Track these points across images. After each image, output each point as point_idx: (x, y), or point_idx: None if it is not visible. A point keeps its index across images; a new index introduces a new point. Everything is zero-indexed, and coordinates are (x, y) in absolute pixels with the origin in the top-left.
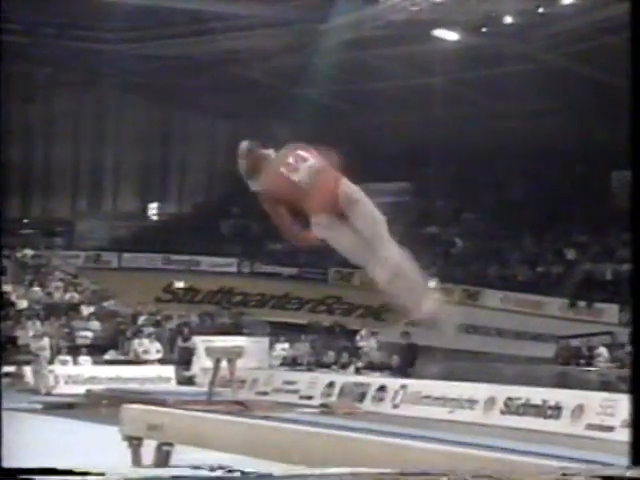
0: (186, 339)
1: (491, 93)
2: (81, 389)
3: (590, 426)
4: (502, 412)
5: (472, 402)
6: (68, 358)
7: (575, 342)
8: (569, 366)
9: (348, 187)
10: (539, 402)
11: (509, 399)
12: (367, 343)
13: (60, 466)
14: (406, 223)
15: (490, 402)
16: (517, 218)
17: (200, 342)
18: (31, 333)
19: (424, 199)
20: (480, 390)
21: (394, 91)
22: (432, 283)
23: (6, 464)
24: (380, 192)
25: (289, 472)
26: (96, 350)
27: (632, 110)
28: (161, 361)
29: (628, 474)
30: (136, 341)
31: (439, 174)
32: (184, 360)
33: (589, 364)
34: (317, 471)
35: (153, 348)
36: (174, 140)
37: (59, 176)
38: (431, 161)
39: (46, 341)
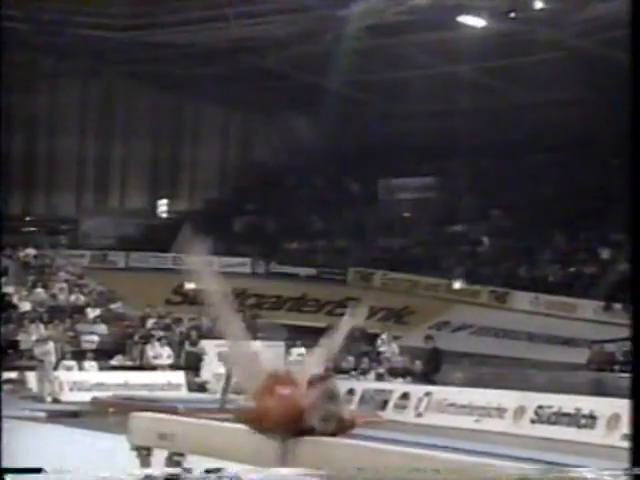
0: (194, 343)
1: (520, 82)
2: (87, 396)
3: (627, 437)
4: (532, 421)
5: (500, 410)
6: (73, 363)
7: (610, 347)
8: (603, 372)
9: None
10: (572, 411)
11: (540, 407)
12: (389, 348)
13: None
14: (430, 221)
15: (520, 411)
16: (548, 215)
17: (212, 347)
18: (34, 337)
19: (449, 195)
20: (509, 398)
21: (418, 80)
22: (458, 284)
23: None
24: (403, 188)
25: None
26: (102, 355)
27: (632, 109)
28: (169, 367)
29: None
30: (149, 346)
31: (465, 168)
32: (192, 365)
33: (624, 370)
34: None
35: (164, 353)
36: (185, 133)
37: (63, 171)
38: (457, 155)
39: (51, 345)
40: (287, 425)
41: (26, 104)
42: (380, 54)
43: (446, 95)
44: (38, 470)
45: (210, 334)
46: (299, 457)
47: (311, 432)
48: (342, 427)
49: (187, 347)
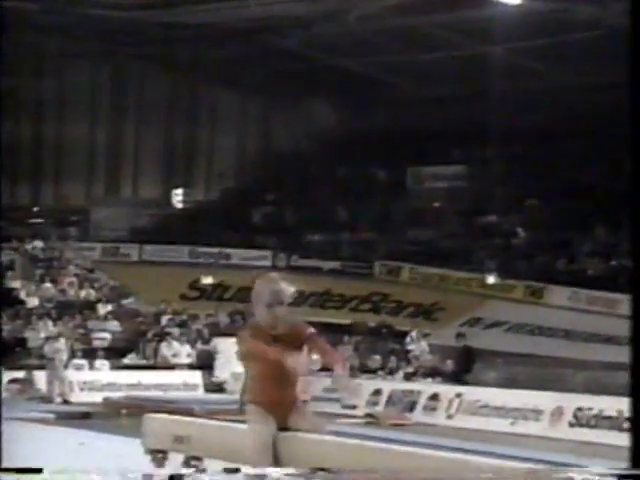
0: (206, 341)
1: (558, 64)
2: (98, 397)
3: None
4: (571, 424)
5: (537, 412)
6: (83, 362)
7: None
8: None
9: None
10: (613, 413)
11: (579, 409)
12: (417, 346)
13: None
14: (462, 211)
15: (557, 413)
16: (588, 204)
17: (230, 344)
18: (42, 334)
19: (482, 184)
20: (546, 399)
21: (448, 62)
22: (491, 278)
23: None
24: (432, 176)
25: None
26: (114, 353)
27: (632, 108)
28: (178, 366)
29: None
30: (164, 343)
31: (499, 155)
32: (204, 364)
33: None
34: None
35: (184, 351)
36: (201, 118)
37: (73, 158)
38: (490, 141)
39: (62, 343)
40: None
41: (33, 88)
42: (407, 34)
43: (478, 78)
44: (38, 470)
45: (227, 331)
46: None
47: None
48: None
49: (199, 345)
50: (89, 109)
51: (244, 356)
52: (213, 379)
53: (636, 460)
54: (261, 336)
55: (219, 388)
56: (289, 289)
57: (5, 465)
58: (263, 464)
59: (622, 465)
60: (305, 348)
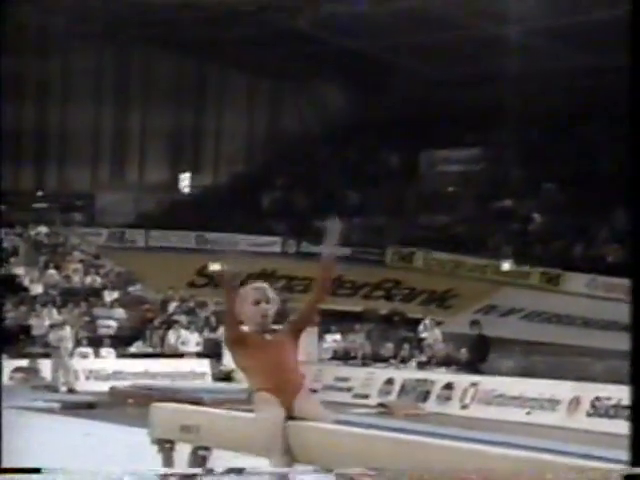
0: (213, 329)
1: (576, 45)
2: (104, 386)
3: None
4: (589, 414)
5: (554, 402)
6: (89, 350)
7: None
8: None
9: None
10: None
11: (597, 399)
12: (431, 334)
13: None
14: (476, 196)
15: (575, 402)
16: (606, 189)
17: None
18: (47, 322)
19: (497, 167)
20: (563, 388)
21: (462, 43)
22: (506, 264)
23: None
24: (446, 160)
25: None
26: (120, 341)
27: (631, 107)
28: (187, 355)
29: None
30: (171, 331)
31: (514, 138)
32: (211, 353)
33: None
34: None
35: (192, 339)
36: (208, 102)
37: (78, 142)
38: (505, 123)
39: (67, 331)
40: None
41: (37, 70)
42: (420, 15)
43: (493, 59)
44: (37, 470)
45: None
46: (339, 457)
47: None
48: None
49: (207, 333)
50: (94, 92)
51: (235, 344)
52: (221, 368)
53: (636, 460)
54: (251, 336)
55: (227, 377)
56: (274, 293)
57: (10, 456)
58: (274, 451)
59: None
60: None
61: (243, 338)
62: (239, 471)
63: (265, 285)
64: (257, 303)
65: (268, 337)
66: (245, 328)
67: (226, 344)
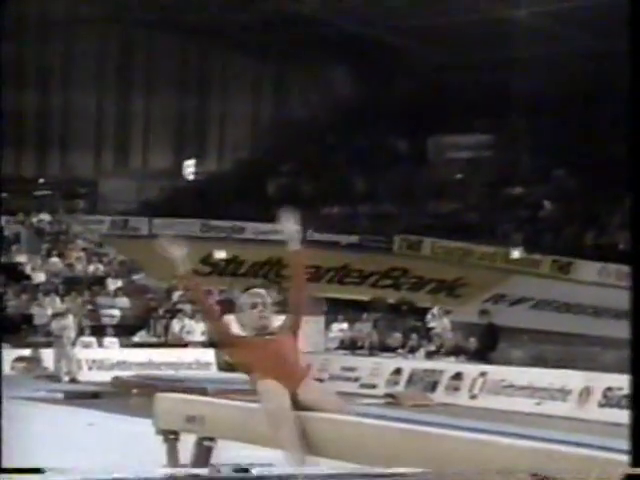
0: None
1: (589, 28)
2: (107, 376)
3: None
4: (600, 404)
5: (564, 392)
6: (92, 340)
7: None
8: None
9: None
10: None
11: (608, 389)
12: (439, 323)
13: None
14: (486, 183)
15: (586, 393)
16: (618, 175)
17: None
18: (49, 311)
19: (507, 154)
20: (574, 378)
21: (470, 26)
22: (516, 253)
23: (22, 460)
24: (455, 146)
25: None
26: (124, 331)
27: (631, 106)
28: (192, 344)
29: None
30: (175, 320)
31: (525, 124)
32: (213, 342)
33: None
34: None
35: (198, 329)
36: (213, 86)
37: (80, 128)
38: (515, 109)
39: (70, 320)
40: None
41: (38, 55)
42: None
43: (503, 43)
44: (37, 470)
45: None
46: (347, 448)
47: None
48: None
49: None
50: (97, 76)
51: (233, 348)
52: (227, 357)
53: (636, 460)
54: (250, 339)
55: (233, 367)
56: (271, 298)
57: (11, 447)
58: (286, 442)
59: None
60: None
61: (241, 342)
62: (245, 470)
63: (262, 290)
64: (254, 307)
65: (267, 337)
66: (242, 332)
67: (221, 348)
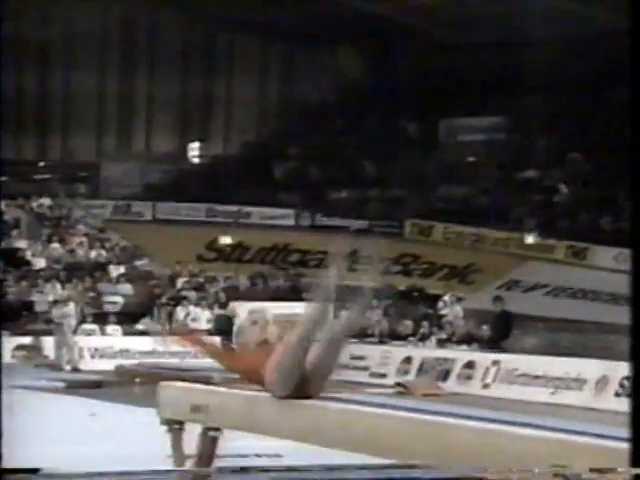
0: (223, 305)
1: (606, 5)
2: (110, 364)
3: None
4: (617, 394)
5: (580, 382)
6: (94, 327)
7: None
8: None
9: None
10: None
11: (626, 378)
12: (451, 310)
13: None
14: (499, 166)
15: (602, 382)
16: (635, 158)
17: (247, 310)
18: (50, 298)
19: (521, 136)
20: (590, 367)
21: (484, 4)
22: (530, 238)
23: (20, 452)
24: (467, 129)
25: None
26: (127, 318)
27: (631, 104)
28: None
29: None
30: (179, 308)
31: (540, 106)
32: (221, 330)
33: None
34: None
35: (203, 316)
36: (219, 67)
37: (82, 110)
38: (530, 90)
39: (71, 307)
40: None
41: (38, 34)
42: None
43: (517, 22)
44: (36, 470)
45: (247, 295)
46: (356, 439)
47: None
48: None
49: (216, 310)
50: (99, 56)
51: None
52: (232, 346)
53: (636, 460)
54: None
55: None
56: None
57: (12, 438)
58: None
59: None
60: None
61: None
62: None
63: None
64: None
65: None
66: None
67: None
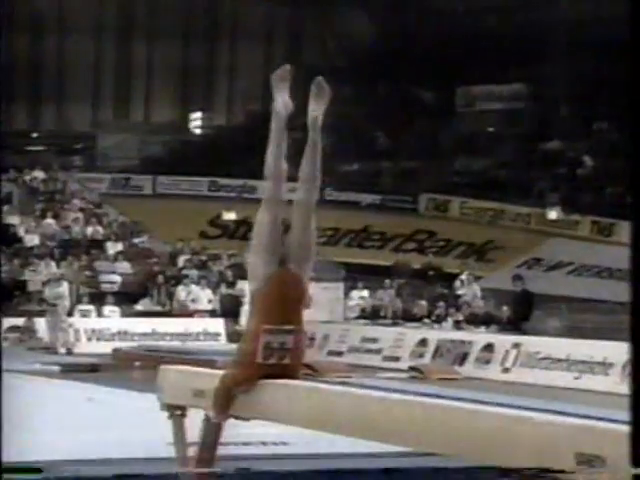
0: (230, 284)
1: None
2: (107, 347)
3: None
4: None
5: (605, 366)
6: (91, 308)
7: None
8: None
9: None
10: None
11: None
12: (469, 290)
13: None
14: (520, 137)
15: (629, 366)
16: None
17: None
18: (44, 277)
19: (543, 105)
20: (616, 350)
21: None
22: (553, 213)
23: (17, 438)
24: (486, 97)
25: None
26: (125, 298)
27: (631, 104)
28: (199, 313)
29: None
30: (180, 287)
31: (563, 73)
32: (229, 310)
33: None
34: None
35: (204, 296)
36: (221, 32)
37: (77, 78)
38: (552, 56)
39: (65, 287)
40: None
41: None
42: None
43: None
44: (37, 470)
45: None
46: (367, 425)
47: None
48: None
49: (223, 289)
50: (95, 22)
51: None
52: (237, 327)
53: (636, 460)
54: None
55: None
56: None
57: (5, 424)
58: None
59: None
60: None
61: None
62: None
63: None
64: None
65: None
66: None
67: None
